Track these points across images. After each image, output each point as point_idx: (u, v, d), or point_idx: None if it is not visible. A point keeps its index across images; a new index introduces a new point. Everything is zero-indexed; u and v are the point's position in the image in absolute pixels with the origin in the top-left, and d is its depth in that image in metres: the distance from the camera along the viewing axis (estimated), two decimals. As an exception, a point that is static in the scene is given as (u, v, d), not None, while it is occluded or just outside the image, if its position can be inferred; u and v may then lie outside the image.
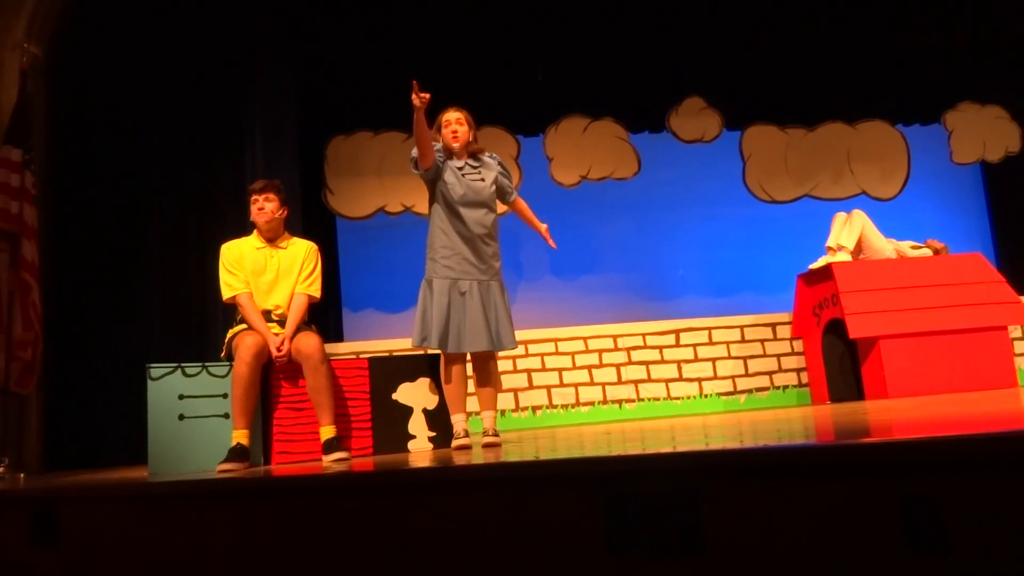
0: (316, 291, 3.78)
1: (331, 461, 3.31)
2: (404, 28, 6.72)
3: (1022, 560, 1.30)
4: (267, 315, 3.67)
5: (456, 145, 3.63)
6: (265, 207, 3.72)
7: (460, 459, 2.60)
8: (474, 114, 3.77)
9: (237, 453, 3.30)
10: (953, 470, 1.37)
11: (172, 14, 5.93)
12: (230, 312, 3.89)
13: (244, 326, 3.63)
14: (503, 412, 6.05)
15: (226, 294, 3.68)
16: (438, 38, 6.75)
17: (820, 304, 5.99)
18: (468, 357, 3.59)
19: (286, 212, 3.81)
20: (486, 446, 3.37)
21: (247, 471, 3.18)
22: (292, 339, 3.58)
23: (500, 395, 3.78)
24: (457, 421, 3.54)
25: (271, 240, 3.77)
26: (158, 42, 5.94)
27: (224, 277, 3.69)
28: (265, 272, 3.71)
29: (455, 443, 3.49)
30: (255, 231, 3.80)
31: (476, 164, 3.66)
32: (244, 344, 3.45)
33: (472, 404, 3.63)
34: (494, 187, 3.65)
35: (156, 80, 5.95)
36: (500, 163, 3.76)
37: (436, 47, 6.78)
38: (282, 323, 3.67)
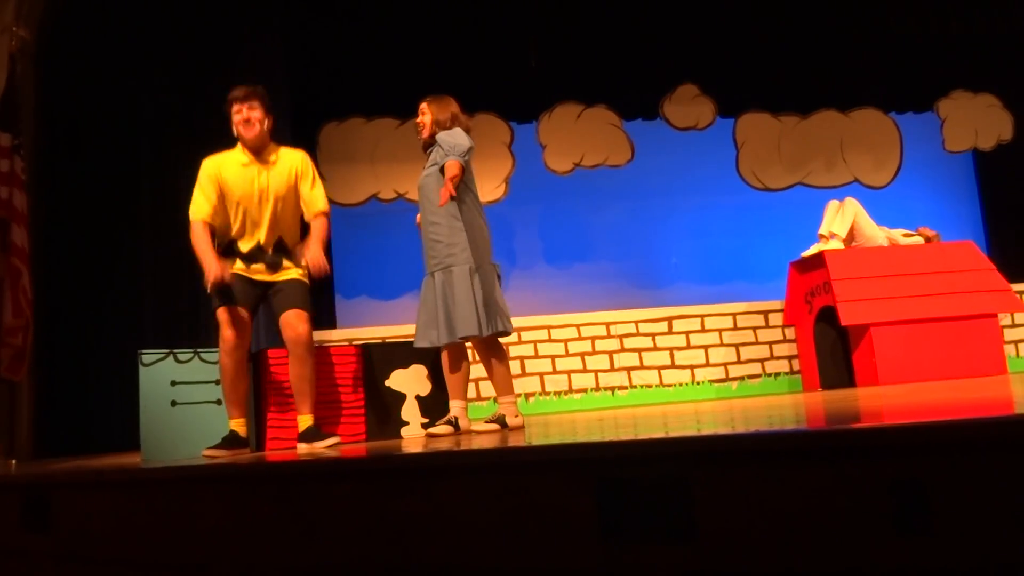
0: (325, 203, 3.50)
1: (323, 447, 3.27)
2: (397, 14, 6.68)
3: (1007, 542, 1.32)
4: (255, 251, 3.38)
5: (422, 136, 3.62)
6: (251, 118, 3.37)
7: (440, 444, 2.61)
8: (467, 100, 3.73)
9: (228, 440, 3.24)
10: (941, 455, 1.38)
11: (163, -2, 5.88)
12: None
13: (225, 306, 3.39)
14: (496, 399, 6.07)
15: (191, 214, 3.37)
16: (431, 24, 6.72)
17: (812, 292, 6.00)
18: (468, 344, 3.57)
19: (271, 121, 3.47)
20: (475, 432, 3.39)
21: (234, 456, 3.14)
22: (315, 262, 3.29)
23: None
24: (452, 407, 3.54)
25: (257, 154, 3.43)
26: (149, 27, 5.90)
27: (195, 195, 3.37)
28: (252, 193, 3.37)
29: (431, 428, 3.50)
30: (239, 144, 3.46)
31: (430, 151, 3.59)
32: (223, 336, 3.29)
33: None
34: (433, 168, 3.49)
35: (146, 65, 5.90)
36: (440, 142, 3.49)
37: (429, 33, 6.74)
38: (270, 264, 3.39)
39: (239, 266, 3.41)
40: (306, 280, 3.48)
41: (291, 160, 3.48)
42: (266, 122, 3.43)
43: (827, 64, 7.40)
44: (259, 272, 3.42)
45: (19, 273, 4.75)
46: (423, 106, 3.63)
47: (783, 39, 7.26)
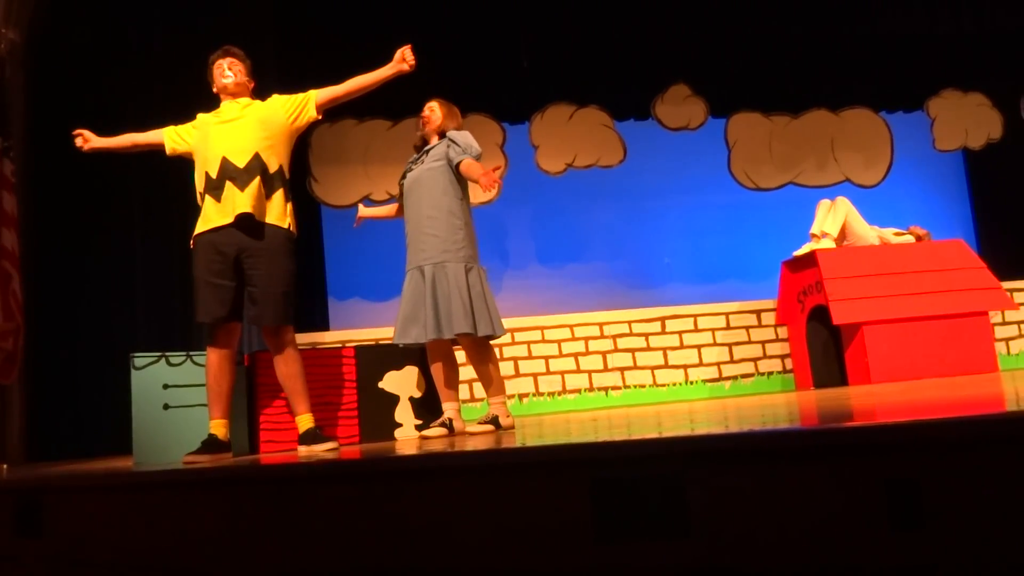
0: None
1: (322, 451, 3.20)
2: (389, 13, 6.67)
3: (1000, 538, 1.32)
4: (225, 168, 3.14)
5: (426, 129, 3.64)
6: (229, 69, 3.32)
7: (434, 446, 2.61)
8: (459, 101, 3.77)
9: (208, 445, 3.10)
10: (934, 453, 1.39)
11: (152, -1, 5.86)
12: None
13: None
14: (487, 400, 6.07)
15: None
16: (423, 24, 6.70)
17: (804, 291, 6.02)
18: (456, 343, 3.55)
19: (253, 84, 3.40)
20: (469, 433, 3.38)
21: (215, 461, 3.04)
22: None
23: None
24: (445, 409, 3.53)
25: (235, 98, 3.34)
26: (138, 27, 5.87)
27: None
28: (224, 126, 3.24)
29: (425, 431, 3.48)
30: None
31: (429, 148, 3.60)
32: (211, 335, 3.21)
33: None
34: (438, 163, 3.50)
35: (137, 66, 5.88)
36: (451, 139, 3.53)
37: (421, 33, 6.71)
38: (241, 178, 3.12)
39: (211, 212, 3.16)
40: (288, 228, 3.22)
41: (271, 100, 3.39)
42: (244, 74, 3.36)
43: (818, 64, 7.44)
44: (231, 203, 3.12)
45: (9, 277, 4.73)
46: (433, 104, 3.68)
47: (774, 39, 7.29)
